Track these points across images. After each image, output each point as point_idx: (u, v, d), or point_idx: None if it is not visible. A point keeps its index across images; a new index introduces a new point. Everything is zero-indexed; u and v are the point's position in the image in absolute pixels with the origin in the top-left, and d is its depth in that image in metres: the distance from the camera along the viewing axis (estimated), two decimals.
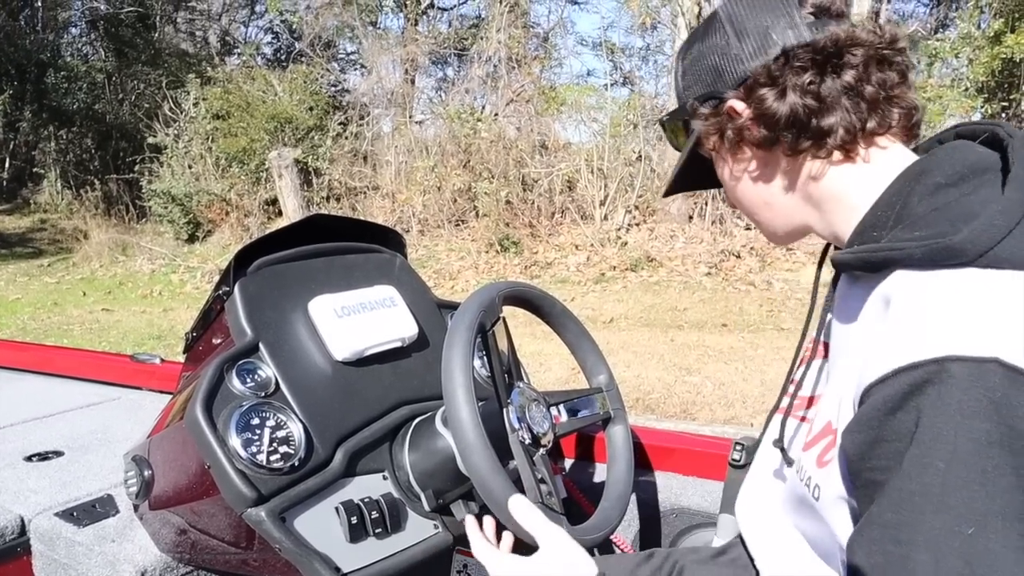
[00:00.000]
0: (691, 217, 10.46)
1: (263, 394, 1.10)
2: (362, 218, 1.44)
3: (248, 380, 1.10)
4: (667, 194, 1.02)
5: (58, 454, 1.68)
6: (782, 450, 0.91)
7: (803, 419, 0.92)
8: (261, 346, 1.14)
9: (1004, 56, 9.75)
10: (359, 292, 1.26)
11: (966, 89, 9.87)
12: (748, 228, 9.81)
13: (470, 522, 1.03)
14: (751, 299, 8.00)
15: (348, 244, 1.36)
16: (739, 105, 0.83)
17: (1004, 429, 0.61)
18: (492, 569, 0.96)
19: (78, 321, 7.52)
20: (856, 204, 0.81)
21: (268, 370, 1.13)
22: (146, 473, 1.20)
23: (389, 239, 1.45)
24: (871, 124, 0.80)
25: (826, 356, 0.91)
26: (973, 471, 0.61)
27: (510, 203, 10.86)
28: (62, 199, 13.32)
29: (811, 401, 0.92)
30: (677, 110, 0.92)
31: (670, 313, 7.63)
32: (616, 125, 11.71)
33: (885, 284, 0.73)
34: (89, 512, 1.40)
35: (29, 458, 1.65)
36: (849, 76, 0.79)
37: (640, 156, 11.18)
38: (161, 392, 2.12)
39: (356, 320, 1.22)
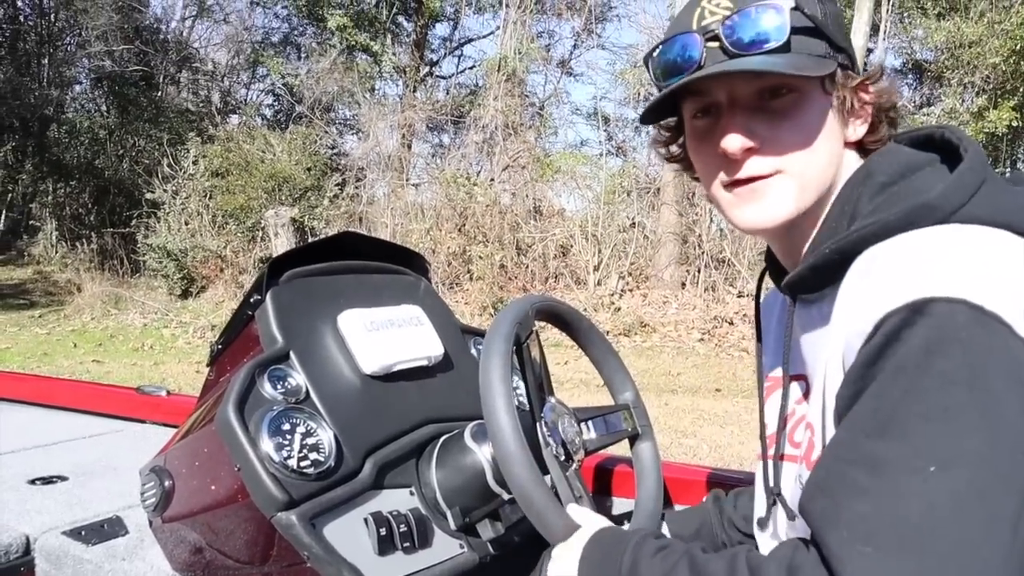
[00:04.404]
0: (684, 284, 10.53)
1: (294, 400, 1.09)
2: (388, 240, 1.45)
3: (279, 386, 1.09)
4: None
5: (62, 479, 1.65)
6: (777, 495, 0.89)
7: (783, 456, 0.90)
8: (292, 354, 1.13)
9: (988, 131, 10.14)
10: (387, 309, 1.26)
11: None
12: (740, 296, 9.87)
13: None
14: (744, 365, 8.00)
15: (376, 264, 1.37)
16: (871, 88, 0.85)
17: (967, 369, 0.61)
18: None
19: (68, 371, 7.42)
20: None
21: (299, 377, 1.12)
22: (166, 483, 1.17)
23: (414, 263, 1.46)
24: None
25: (804, 382, 0.90)
26: (934, 408, 0.61)
27: (504, 267, 10.92)
28: (57, 252, 13.30)
29: (795, 426, 0.90)
30: (832, 44, 0.83)
31: (664, 378, 7.60)
32: (610, 192, 11.87)
33: (851, 270, 0.74)
34: (98, 531, 1.36)
35: (32, 481, 1.62)
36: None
37: (634, 223, 11.32)
38: (166, 425, 2.09)
39: (384, 335, 1.21)
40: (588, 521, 0.93)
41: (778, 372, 0.96)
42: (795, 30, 0.80)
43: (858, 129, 0.85)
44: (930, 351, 0.62)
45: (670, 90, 0.84)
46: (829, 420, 0.74)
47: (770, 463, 0.92)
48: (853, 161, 0.86)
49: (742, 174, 0.83)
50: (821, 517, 0.66)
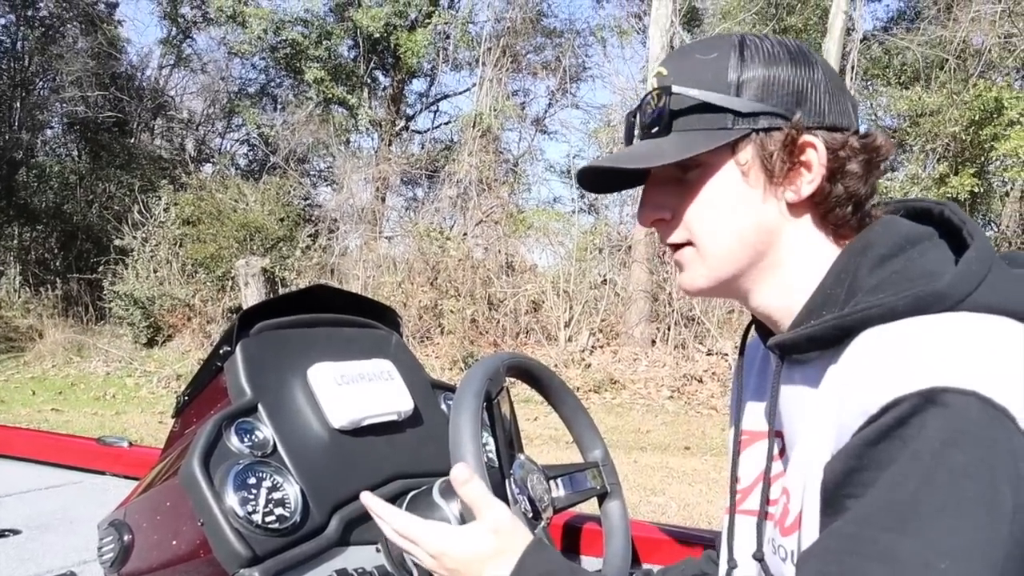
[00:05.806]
0: (654, 341, 10.57)
1: (261, 454, 1.07)
2: (361, 293, 1.45)
3: (246, 439, 1.08)
4: (597, 189, 0.95)
5: (15, 532, 1.60)
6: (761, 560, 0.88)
7: (767, 515, 0.89)
8: (260, 407, 1.12)
9: (950, 196, 10.51)
10: (358, 363, 1.26)
11: None
12: (709, 353, 9.94)
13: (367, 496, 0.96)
14: (713, 423, 8.01)
15: (348, 317, 1.37)
16: (819, 144, 0.81)
17: (978, 463, 0.62)
18: (426, 542, 0.91)
19: (25, 420, 7.25)
20: (802, 276, 0.84)
21: (266, 431, 1.11)
22: (126, 538, 1.14)
23: (386, 317, 1.46)
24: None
25: (780, 439, 0.90)
26: (949, 501, 0.62)
27: (475, 322, 10.91)
28: (19, 297, 13.06)
29: (769, 484, 0.90)
30: (735, 113, 0.82)
31: (633, 435, 7.59)
32: (582, 249, 11.97)
33: (854, 345, 0.74)
34: None
35: None
36: (876, 173, 0.85)
37: (605, 280, 11.40)
38: (127, 478, 2.04)
39: (354, 390, 1.21)
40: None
41: (754, 426, 0.96)
42: (685, 110, 0.83)
43: (804, 188, 0.82)
44: (945, 443, 0.63)
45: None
46: (810, 491, 0.74)
47: (740, 520, 0.92)
48: (807, 219, 0.85)
49: (662, 241, 0.88)
50: None
